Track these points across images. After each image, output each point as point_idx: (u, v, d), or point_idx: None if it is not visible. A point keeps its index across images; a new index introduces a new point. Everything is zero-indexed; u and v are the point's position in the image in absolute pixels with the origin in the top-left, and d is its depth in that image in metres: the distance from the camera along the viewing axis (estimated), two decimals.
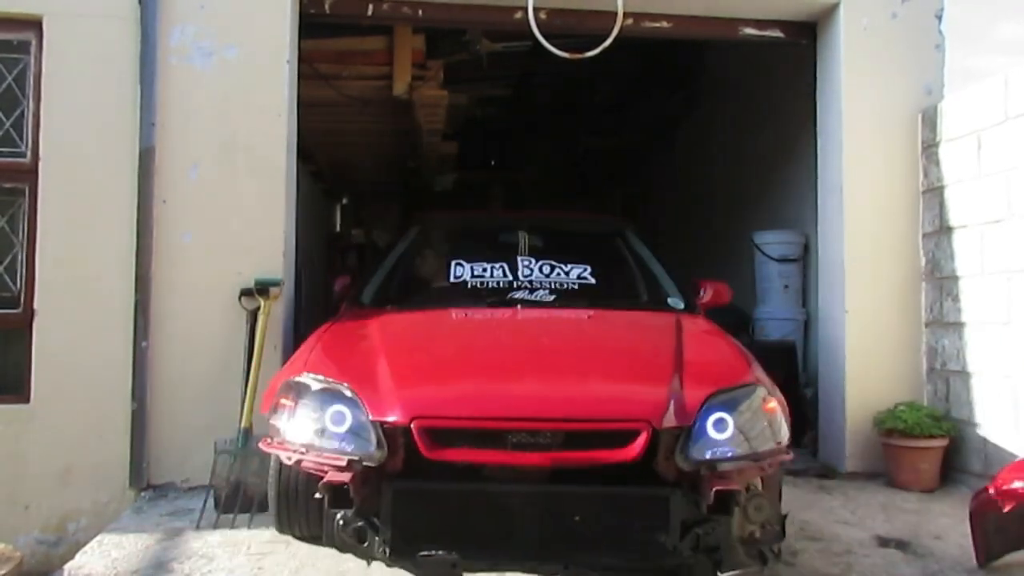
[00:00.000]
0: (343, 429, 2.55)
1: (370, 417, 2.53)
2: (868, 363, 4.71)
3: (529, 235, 4.18)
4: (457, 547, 2.40)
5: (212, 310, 4.27)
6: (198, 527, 3.61)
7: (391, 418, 2.50)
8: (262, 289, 4.23)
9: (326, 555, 3.22)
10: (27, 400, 4.22)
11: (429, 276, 4.23)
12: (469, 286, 3.82)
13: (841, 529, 3.68)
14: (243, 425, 3.93)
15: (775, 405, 2.75)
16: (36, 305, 4.25)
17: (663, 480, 2.52)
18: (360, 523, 2.47)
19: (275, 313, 4.28)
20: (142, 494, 4.15)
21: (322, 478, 2.47)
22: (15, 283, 4.34)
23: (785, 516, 2.81)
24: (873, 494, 4.30)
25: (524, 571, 2.53)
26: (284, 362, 4.35)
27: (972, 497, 3.29)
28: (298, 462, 2.62)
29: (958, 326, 4.52)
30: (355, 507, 2.45)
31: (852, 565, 3.25)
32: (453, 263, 3.95)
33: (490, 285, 3.81)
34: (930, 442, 4.37)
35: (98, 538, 3.53)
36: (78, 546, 3.58)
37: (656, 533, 2.44)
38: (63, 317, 4.22)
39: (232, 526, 3.60)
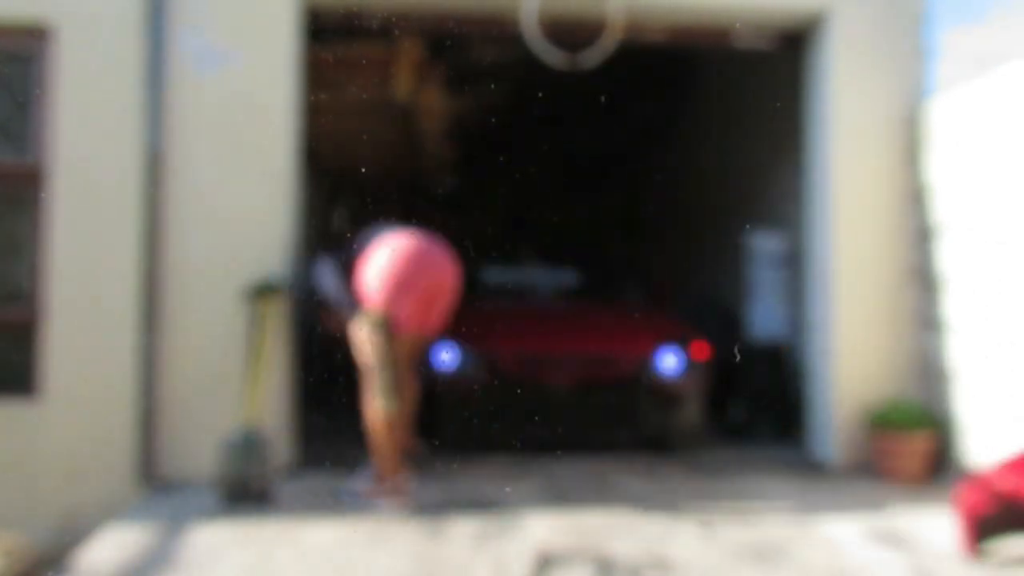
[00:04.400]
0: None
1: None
2: (858, 360, 4.83)
3: None
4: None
5: (218, 309, 4.39)
6: (205, 521, 3.69)
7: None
8: (267, 289, 4.34)
9: (332, 546, 3.35)
10: (37, 397, 4.35)
11: None
12: None
13: (831, 522, 3.77)
14: (248, 420, 4.06)
15: (693, 349, 5.03)
16: (46, 304, 4.36)
17: (642, 389, 4.91)
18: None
19: (279, 312, 4.41)
20: (150, 488, 4.26)
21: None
22: (25, 283, 4.46)
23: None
24: (863, 488, 4.40)
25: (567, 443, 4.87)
26: (289, 359, 4.51)
27: (961, 490, 3.39)
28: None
29: (945, 325, 4.64)
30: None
31: (842, 557, 3.33)
32: None
33: None
34: (918, 437, 4.49)
35: (105, 531, 3.60)
36: (86, 539, 3.66)
37: (636, 417, 4.91)
38: (72, 316, 4.34)
39: (238, 520, 3.70)
